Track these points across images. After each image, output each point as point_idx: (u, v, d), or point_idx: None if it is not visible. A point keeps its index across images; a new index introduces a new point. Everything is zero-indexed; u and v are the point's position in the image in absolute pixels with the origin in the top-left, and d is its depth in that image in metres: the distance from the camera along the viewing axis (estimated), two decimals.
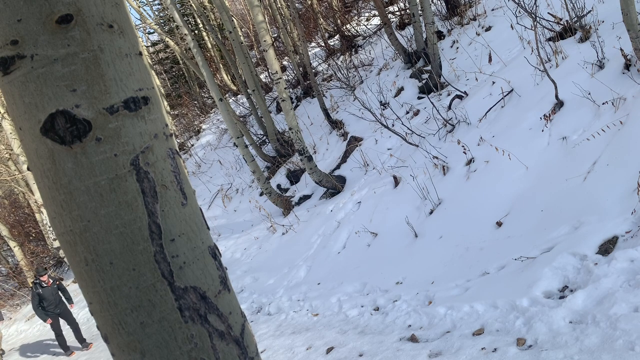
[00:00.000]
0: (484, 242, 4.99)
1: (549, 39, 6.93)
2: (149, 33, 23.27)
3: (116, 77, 1.01)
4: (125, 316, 1.04)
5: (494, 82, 6.95)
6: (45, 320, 7.86)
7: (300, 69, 12.94)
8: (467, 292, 4.45)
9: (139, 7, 15.04)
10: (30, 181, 13.05)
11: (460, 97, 7.51)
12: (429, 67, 8.84)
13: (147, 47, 22.98)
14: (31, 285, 8.10)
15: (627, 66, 5.14)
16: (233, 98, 16.36)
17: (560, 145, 5.17)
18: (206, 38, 18.52)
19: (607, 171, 4.41)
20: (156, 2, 22.29)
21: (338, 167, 9.06)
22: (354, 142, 9.12)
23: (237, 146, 9.36)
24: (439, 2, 10.91)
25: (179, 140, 17.85)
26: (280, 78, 7.77)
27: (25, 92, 0.97)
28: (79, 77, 0.97)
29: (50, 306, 7.88)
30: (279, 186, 10.31)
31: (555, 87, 5.52)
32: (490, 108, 6.55)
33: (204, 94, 19.83)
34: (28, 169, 1.07)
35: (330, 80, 12.00)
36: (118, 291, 1.02)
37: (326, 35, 14.30)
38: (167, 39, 15.08)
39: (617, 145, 4.51)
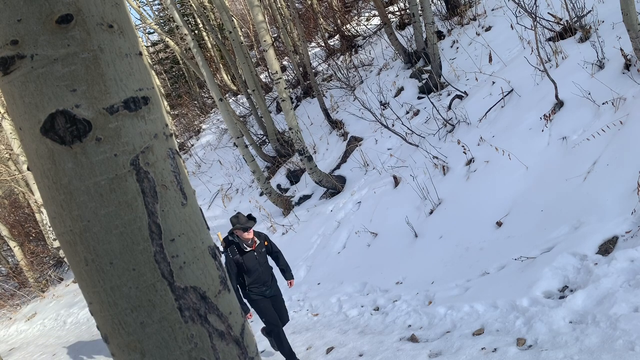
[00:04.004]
0: (484, 242, 4.99)
1: (549, 39, 6.93)
2: (149, 33, 23.25)
3: (116, 77, 1.01)
4: (125, 316, 1.04)
5: (494, 82, 6.95)
6: (246, 313, 4.48)
7: (300, 69, 12.93)
8: (467, 292, 4.45)
9: (139, 7, 15.01)
10: (30, 181, 13.04)
11: (460, 97, 7.50)
12: (429, 67, 8.84)
13: (147, 47, 22.96)
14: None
15: (627, 66, 5.14)
16: (233, 98, 16.34)
17: (560, 145, 5.17)
18: (206, 38, 18.50)
19: (607, 171, 4.40)
20: (156, 2, 22.28)
21: (338, 167, 9.06)
22: (354, 142, 9.12)
23: (237, 146, 9.35)
24: (439, 2, 10.91)
25: (179, 140, 17.84)
26: (280, 78, 7.77)
27: (25, 92, 0.97)
28: (79, 77, 0.97)
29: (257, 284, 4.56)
30: (279, 186, 10.31)
31: (555, 87, 5.52)
32: (490, 108, 6.55)
33: (204, 94, 19.81)
34: (28, 169, 1.07)
35: (330, 80, 11.99)
36: (118, 291, 1.02)
37: (326, 35, 14.29)
38: (167, 39, 15.07)
39: (617, 145, 4.51)
